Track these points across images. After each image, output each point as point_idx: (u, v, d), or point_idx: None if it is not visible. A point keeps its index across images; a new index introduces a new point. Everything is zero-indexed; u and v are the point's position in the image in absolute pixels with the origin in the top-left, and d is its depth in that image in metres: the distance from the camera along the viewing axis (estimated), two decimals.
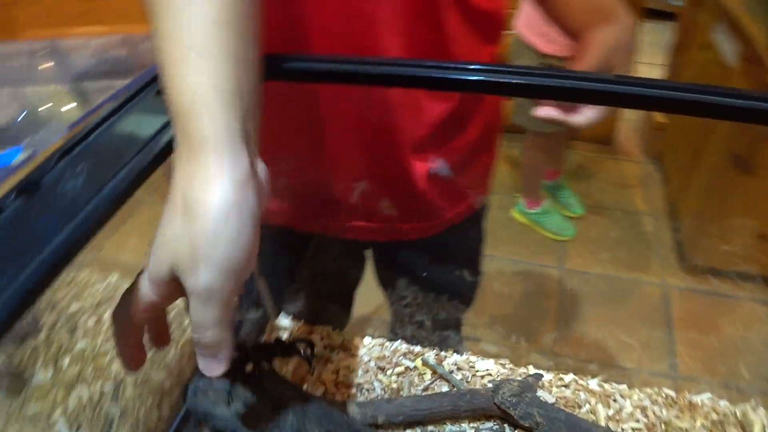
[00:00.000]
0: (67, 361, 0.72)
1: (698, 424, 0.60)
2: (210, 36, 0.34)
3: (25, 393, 0.69)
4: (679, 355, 1.54)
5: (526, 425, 0.56)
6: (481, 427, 0.59)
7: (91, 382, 0.69)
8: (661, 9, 3.12)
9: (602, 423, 0.60)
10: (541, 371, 0.65)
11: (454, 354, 0.68)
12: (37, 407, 0.66)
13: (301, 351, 0.45)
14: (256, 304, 0.74)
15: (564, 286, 1.85)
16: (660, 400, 0.63)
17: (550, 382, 0.65)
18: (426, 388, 0.64)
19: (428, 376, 0.65)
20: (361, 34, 0.59)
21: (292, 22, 0.58)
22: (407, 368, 0.66)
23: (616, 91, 0.44)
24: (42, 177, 0.37)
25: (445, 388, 0.64)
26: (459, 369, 0.66)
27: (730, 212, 1.62)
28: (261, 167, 0.37)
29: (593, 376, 0.66)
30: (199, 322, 0.33)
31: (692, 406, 0.62)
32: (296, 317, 0.75)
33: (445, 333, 0.88)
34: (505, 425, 0.59)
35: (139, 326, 0.38)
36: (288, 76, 0.47)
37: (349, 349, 0.69)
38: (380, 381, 0.65)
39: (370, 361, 0.67)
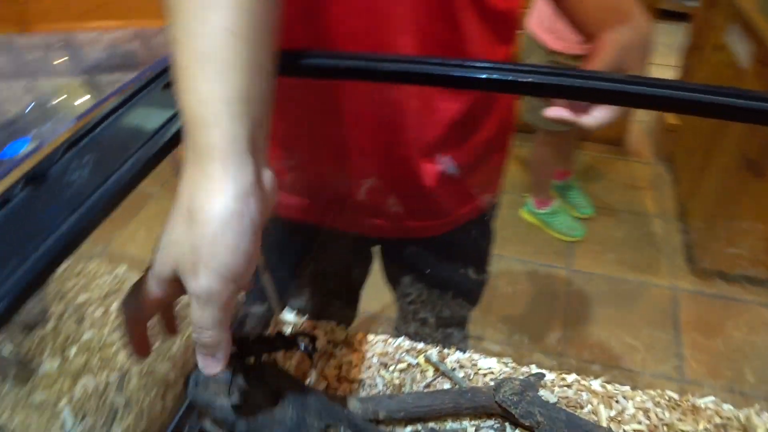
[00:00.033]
0: (74, 351, 0.73)
1: (701, 427, 0.60)
2: (223, 45, 0.34)
3: (32, 381, 0.70)
4: (685, 359, 1.53)
5: (527, 424, 0.56)
6: (482, 425, 0.59)
7: (96, 372, 0.70)
8: (674, 10, 3.10)
9: (604, 424, 0.60)
10: (543, 371, 0.65)
11: (457, 352, 0.68)
12: (43, 395, 0.67)
13: (302, 345, 0.46)
14: (261, 299, 0.74)
15: (571, 286, 1.84)
16: (663, 402, 0.63)
17: (552, 381, 0.65)
18: (428, 385, 0.64)
19: (430, 373, 0.66)
20: (377, 33, 0.59)
21: (306, 20, 0.58)
22: (410, 365, 0.67)
23: (624, 91, 0.44)
24: (49, 168, 0.37)
25: (447, 386, 0.64)
26: (461, 367, 0.66)
27: (740, 215, 1.61)
28: (268, 175, 0.37)
29: (596, 377, 0.65)
30: (198, 323, 0.35)
31: (695, 409, 0.62)
32: (301, 312, 0.75)
33: (448, 330, 0.88)
34: (506, 424, 0.59)
35: (147, 318, 0.40)
36: (303, 73, 0.48)
37: (352, 345, 0.69)
38: (382, 377, 0.65)
39: (373, 357, 0.68)
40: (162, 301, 0.38)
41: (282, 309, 0.75)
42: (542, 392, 0.62)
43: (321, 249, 0.86)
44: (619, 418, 0.61)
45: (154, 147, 0.38)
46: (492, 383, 0.62)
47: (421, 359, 0.67)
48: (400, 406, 0.58)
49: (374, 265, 0.95)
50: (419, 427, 0.59)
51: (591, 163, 2.43)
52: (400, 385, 0.64)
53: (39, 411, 0.66)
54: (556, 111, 0.58)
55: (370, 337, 0.70)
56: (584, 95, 0.49)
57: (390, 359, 0.67)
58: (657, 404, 0.62)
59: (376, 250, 0.91)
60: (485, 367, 0.66)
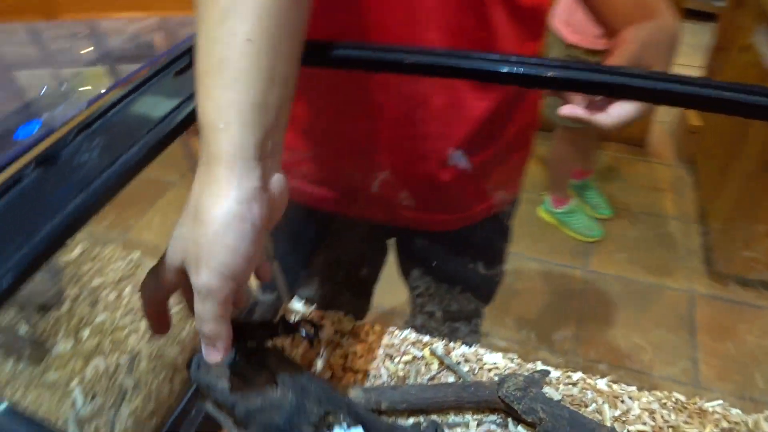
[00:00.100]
0: (86, 333, 0.74)
1: (707, 430, 0.59)
2: (241, 53, 0.36)
3: (46, 361, 0.71)
4: (698, 362, 1.51)
5: (529, 420, 0.56)
6: (484, 419, 0.59)
7: (108, 354, 0.71)
8: (700, 9, 3.04)
9: (608, 423, 0.59)
10: (549, 368, 0.65)
11: (463, 346, 0.68)
12: (56, 375, 0.69)
13: (303, 331, 0.46)
14: (271, 288, 0.75)
15: (585, 286, 1.83)
16: (670, 404, 0.62)
17: (557, 379, 0.64)
18: (432, 378, 0.64)
19: (435, 366, 0.66)
20: (406, 27, 0.59)
21: (336, 12, 0.59)
22: (415, 357, 0.67)
23: (640, 86, 0.44)
24: (61, 150, 0.38)
25: (451, 379, 0.64)
26: (467, 361, 0.66)
27: (761, 220, 1.58)
28: (277, 179, 0.39)
29: (603, 376, 0.65)
30: (199, 315, 0.37)
31: (703, 413, 0.61)
32: (309, 302, 0.76)
33: (457, 324, 0.88)
34: (509, 419, 0.59)
35: (163, 299, 0.42)
36: (330, 63, 0.48)
37: (359, 336, 0.70)
38: (387, 368, 0.65)
39: (379, 348, 0.68)
40: (175, 285, 0.40)
41: (291, 298, 0.76)
42: (547, 389, 0.61)
43: (335, 238, 0.86)
44: (624, 418, 0.60)
45: (162, 132, 0.39)
46: (496, 378, 0.62)
47: (426, 352, 0.67)
48: (402, 397, 0.59)
49: (390, 261, 0.95)
50: (421, 419, 0.59)
51: (611, 164, 2.40)
52: (404, 377, 0.64)
53: (51, 390, 0.67)
54: (570, 109, 0.57)
55: (377, 328, 0.71)
56: (601, 90, 0.48)
57: (396, 351, 0.68)
58: (663, 406, 0.62)
59: (391, 243, 0.91)
60: (490, 362, 0.66)
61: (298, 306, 0.75)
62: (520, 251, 1.93)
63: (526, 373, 0.61)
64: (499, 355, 0.67)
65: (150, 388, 0.67)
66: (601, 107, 0.55)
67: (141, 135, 0.38)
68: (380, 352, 0.68)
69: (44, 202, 0.34)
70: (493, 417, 0.59)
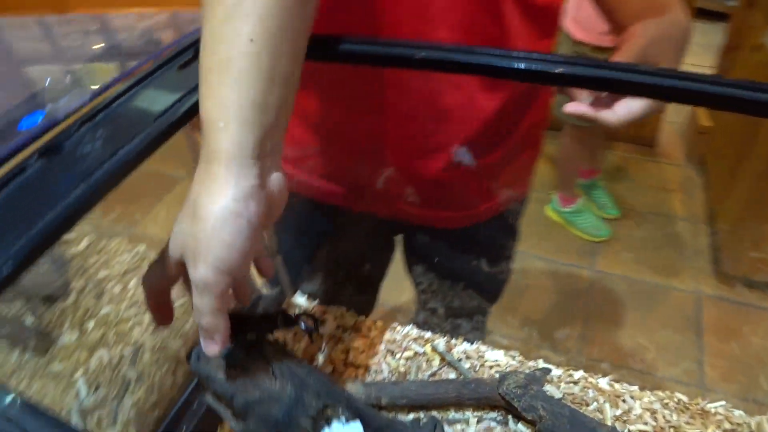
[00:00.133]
0: (91, 324, 0.75)
1: (709, 431, 0.59)
2: (243, 53, 0.36)
3: (51, 352, 0.72)
4: (703, 363, 1.50)
5: (529, 418, 0.56)
6: (484, 416, 0.59)
7: (112, 346, 0.72)
8: (712, 9, 3.02)
9: (608, 422, 0.59)
10: (550, 366, 0.65)
11: (464, 342, 0.68)
12: (61, 366, 0.70)
13: (303, 324, 0.46)
14: (275, 282, 0.75)
15: (591, 286, 1.82)
16: (672, 404, 0.62)
17: (559, 377, 0.64)
18: (433, 374, 0.64)
19: (436, 362, 0.66)
20: (418, 24, 0.59)
21: (348, 8, 0.59)
22: (416, 353, 0.67)
23: (644, 82, 0.43)
24: (64, 141, 0.38)
25: (452, 376, 0.64)
26: (468, 358, 0.66)
27: None
28: (276, 177, 0.39)
29: (605, 375, 0.65)
30: (197, 308, 0.37)
31: (705, 413, 0.61)
32: (312, 297, 0.76)
33: (460, 321, 0.88)
34: (509, 416, 0.59)
35: (164, 290, 0.43)
36: (341, 58, 0.49)
37: (361, 331, 0.70)
38: (388, 364, 0.65)
39: (380, 343, 0.68)
40: (176, 277, 0.41)
41: (294, 293, 0.76)
42: (548, 387, 0.61)
43: (340, 233, 0.86)
44: (625, 418, 0.60)
45: (164, 124, 0.39)
46: (497, 375, 0.62)
47: (427, 348, 0.67)
48: (403, 393, 0.59)
49: (397, 259, 0.94)
50: (421, 414, 0.59)
51: (620, 164, 2.39)
52: (405, 373, 0.64)
53: (56, 380, 0.68)
54: (575, 106, 0.57)
55: (379, 323, 0.71)
56: (608, 86, 0.48)
57: (397, 347, 0.68)
58: (665, 406, 0.62)
59: (398, 240, 0.91)
60: (492, 359, 0.66)
61: (300, 300, 0.75)
62: (527, 250, 1.93)
63: (528, 371, 0.61)
64: (501, 352, 0.67)
65: (153, 380, 0.67)
66: (607, 105, 0.55)
67: (144, 127, 0.38)
68: (382, 347, 0.68)
69: (47, 192, 0.34)
70: (493, 414, 0.59)
